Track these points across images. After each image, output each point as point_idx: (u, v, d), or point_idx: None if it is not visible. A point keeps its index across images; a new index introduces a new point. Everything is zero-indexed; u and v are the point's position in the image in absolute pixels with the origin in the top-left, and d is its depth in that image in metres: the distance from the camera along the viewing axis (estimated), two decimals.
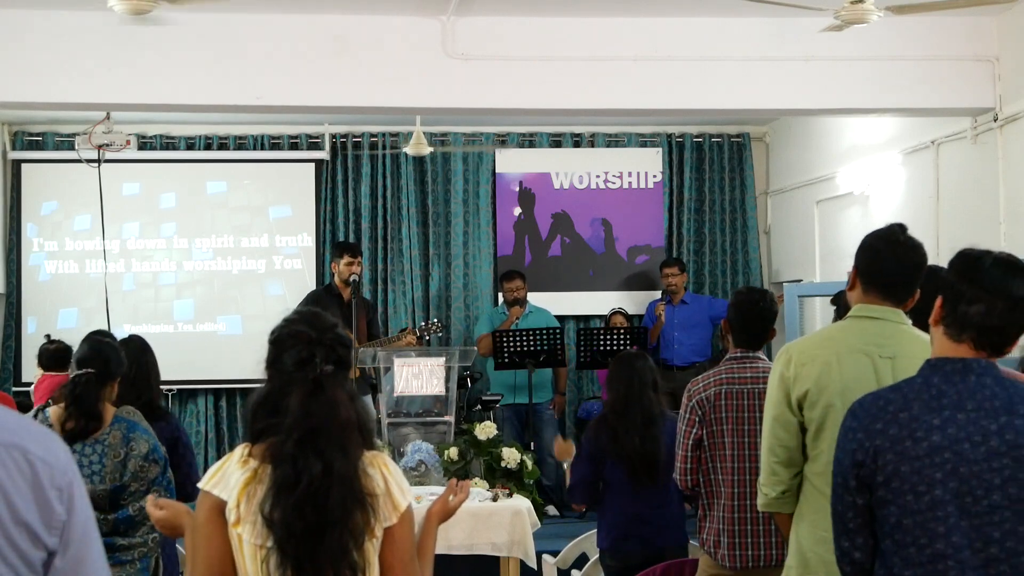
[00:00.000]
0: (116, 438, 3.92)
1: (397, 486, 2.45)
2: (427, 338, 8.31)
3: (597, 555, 4.98)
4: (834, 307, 5.92)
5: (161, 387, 4.85)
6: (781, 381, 3.14)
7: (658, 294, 9.39)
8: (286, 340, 2.45)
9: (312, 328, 2.45)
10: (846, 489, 2.39)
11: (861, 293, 3.16)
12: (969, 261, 2.41)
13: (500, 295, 9.45)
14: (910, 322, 3.16)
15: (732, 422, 4.03)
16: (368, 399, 7.35)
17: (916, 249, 3.13)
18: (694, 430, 4.08)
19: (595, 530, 5.09)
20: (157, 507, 2.74)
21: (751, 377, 4.05)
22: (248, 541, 2.36)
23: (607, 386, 4.95)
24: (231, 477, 2.40)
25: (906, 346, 3.08)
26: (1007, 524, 2.26)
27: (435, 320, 8.61)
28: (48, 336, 6.84)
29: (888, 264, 3.11)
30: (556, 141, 10.01)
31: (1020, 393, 2.34)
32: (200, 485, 2.43)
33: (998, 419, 2.29)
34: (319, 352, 2.41)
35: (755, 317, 4.11)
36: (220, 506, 2.39)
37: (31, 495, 1.57)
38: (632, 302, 9.69)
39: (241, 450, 2.46)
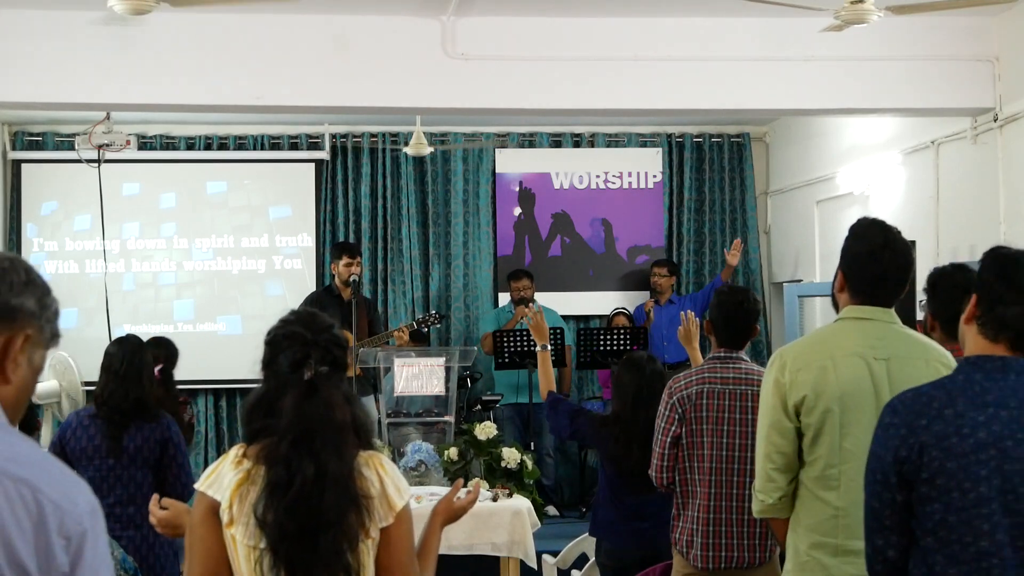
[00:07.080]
0: None
1: (394, 486, 2.42)
2: (426, 330, 8.29)
3: (596, 556, 4.96)
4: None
5: (154, 387, 4.81)
6: (776, 387, 3.10)
7: None
8: (281, 341, 2.43)
9: (307, 329, 2.43)
10: (886, 486, 2.34)
11: (849, 296, 3.12)
12: (1007, 261, 2.37)
13: (505, 295, 9.45)
14: (899, 321, 3.13)
15: (712, 422, 4.01)
16: (371, 399, 7.31)
17: (902, 251, 3.10)
18: (673, 427, 4.06)
19: None
20: (159, 506, 2.72)
21: (733, 378, 4.04)
22: (241, 542, 2.35)
23: (613, 388, 4.90)
24: (224, 478, 2.39)
25: (899, 347, 3.06)
26: None
27: (434, 312, 8.60)
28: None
29: (875, 268, 3.09)
30: (556, 141, 10.01)
31: None
32: (196, 486, 2.41)
33: None
34: (314, 353, 2.39)
35: (738, 317, 4.10)
36: (214, 507, 2.38)
37: (32, 537, 1.48)
38: (632, 302, 9.68)
39: (236, 451, 2.44)
